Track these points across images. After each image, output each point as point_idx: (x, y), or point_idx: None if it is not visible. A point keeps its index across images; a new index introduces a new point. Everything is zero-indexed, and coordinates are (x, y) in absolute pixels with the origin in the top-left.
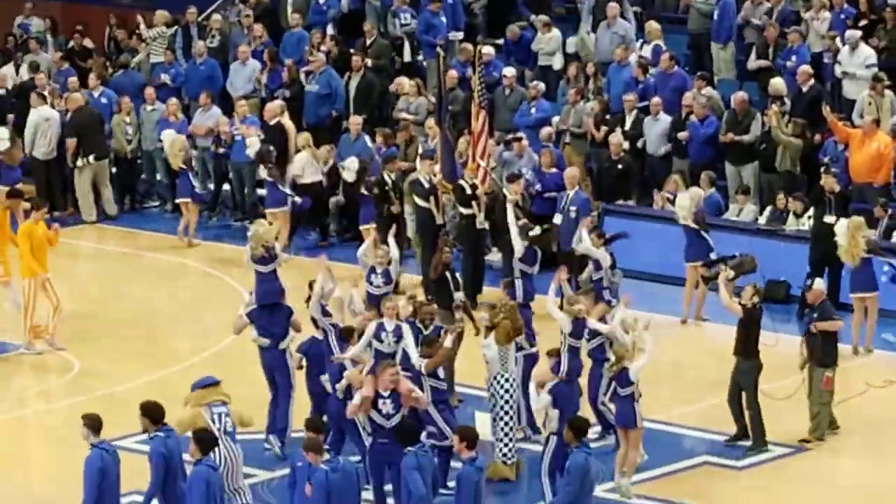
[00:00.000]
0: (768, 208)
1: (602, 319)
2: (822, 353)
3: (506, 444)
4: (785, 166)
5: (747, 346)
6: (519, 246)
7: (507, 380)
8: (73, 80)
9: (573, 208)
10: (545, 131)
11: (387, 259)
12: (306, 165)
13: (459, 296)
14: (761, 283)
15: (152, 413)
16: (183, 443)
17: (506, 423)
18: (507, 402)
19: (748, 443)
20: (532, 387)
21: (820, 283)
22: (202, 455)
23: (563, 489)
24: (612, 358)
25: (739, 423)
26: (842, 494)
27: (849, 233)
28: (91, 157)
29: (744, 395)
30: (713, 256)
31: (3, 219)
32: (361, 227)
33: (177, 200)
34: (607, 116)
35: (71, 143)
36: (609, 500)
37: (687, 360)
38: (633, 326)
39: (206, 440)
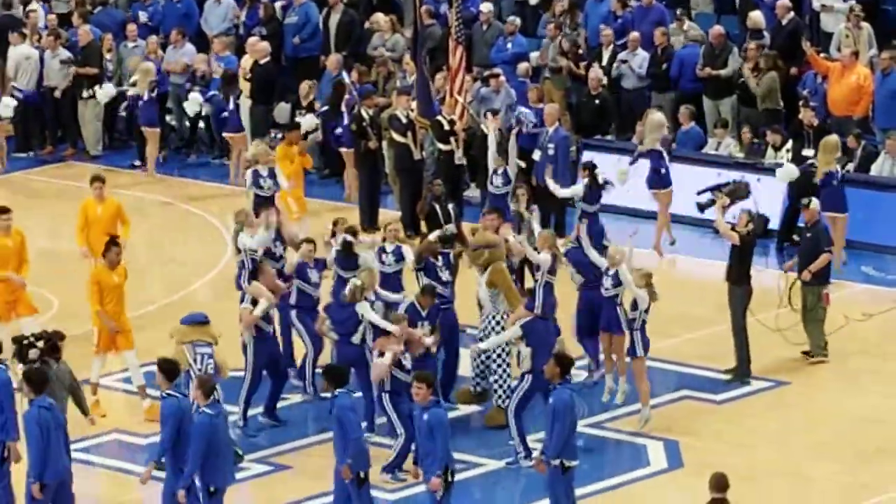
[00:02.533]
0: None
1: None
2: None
3: (501, 388)
4: (765, 104)
5: (740, 273)
6: (544, 256)
7: (498, 322)
8: (77, 17)
9: (551, 145)
10: (522, 67)
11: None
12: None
13: (450, 227)
14: (755, 209)
15: (170, 370)
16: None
17: (499, 366)
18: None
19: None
20: (507, 324)
21: (816, 203)
22: (169, 384)
23: (553, 430)
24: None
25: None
26: (819, 427)
27: (820, 149)
28: (97, 88)
29: (730, 320)
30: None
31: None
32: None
33: (146, 128)
34: (580, 51)
35: (87, 71)
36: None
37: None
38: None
39: (172, 371)
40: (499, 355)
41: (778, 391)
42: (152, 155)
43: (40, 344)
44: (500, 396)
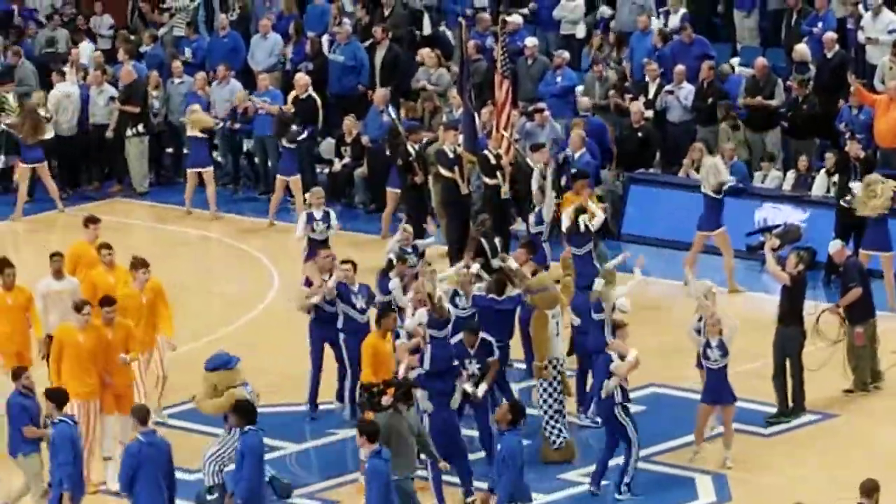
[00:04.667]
0: (791, 174)
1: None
2: (850, 311)
3: (552, 427)
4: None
5: (792, 314)
6: None
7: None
8: (121, 53)
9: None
10: (584, 101)
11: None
12: None
13: (496, 262)
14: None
15: (59, 399)
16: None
17: (545, 401)
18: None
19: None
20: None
21: (837, 243)
22: (246, 423)
23: (504, 478)
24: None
25: (782, 396)
26: (864, 461)
27: (863, 186)
28: (140, 127)
29: (788, 362)
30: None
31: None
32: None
33: (191, 170)
34: (626, 85)
35: (130, 108)
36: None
37: None
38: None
39: (249, 410)
40: (548, 393)
41: (825, 424)
42: (210, 195)
43: (391, 391)
44: (551, 440)
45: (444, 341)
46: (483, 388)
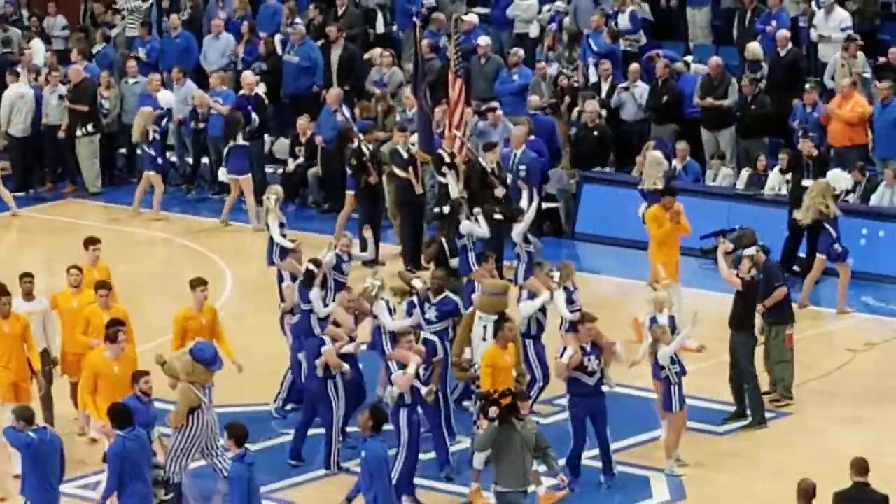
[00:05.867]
0: (745, 172)
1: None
2: (778, 313)
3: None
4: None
5: (743, 320)
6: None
7: None
8: (74, 53)
9: (522, 167)
10: (534, 99)
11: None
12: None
13: (455, 262)
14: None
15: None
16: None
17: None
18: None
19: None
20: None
21: (751, 250)
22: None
23: (368, 485)
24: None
25: (738, 397)
26: (819, 460)
27: (811, 192)
28: (90, 127)
29: (740, 369)
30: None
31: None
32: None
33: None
34: (576, 85)
35: (79, 107)
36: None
37: None
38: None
39: (242, 436)
40: None
41: (781, 422)
42: (158, 196)
43: (504, 401)
44: None
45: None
46: (431, 387)
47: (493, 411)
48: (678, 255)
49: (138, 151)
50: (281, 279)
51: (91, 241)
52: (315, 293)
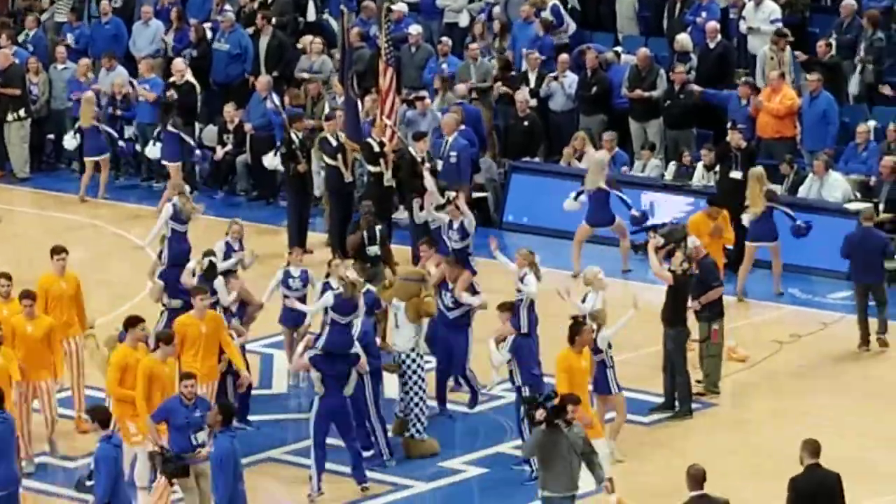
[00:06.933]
0: (672, 164)
1: (470, 289)
2: (709, 309)
3: (418, 418)
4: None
5: (676, 313)
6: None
7: (420, 355)
8: (4, 38)
9: (453, 153)
10: (461, 88)
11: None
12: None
13: (374, 249)
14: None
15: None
16: None
17: (416, 394)
18: (417, 374)
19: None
20: (491, 343)
21: (695, 240)
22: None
23: (218, 481)
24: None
25: (669, 389)
26: (745, 449)
27: (749, 183)
28: (21, 112)
29: (672, 362)
30: (636, 216)
31: None
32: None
33: (89, 158)
34: (512, 73)
35: (9, 92)
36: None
37: None
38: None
39: (229, 413)
40: (417, 385)
41: (707, 413)
42: (104, 181)
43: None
44: (417, 430)
45: (345, 328)
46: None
47: (540, 414)
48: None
49: (68, 137)
50: None
51: (56, 251)
52: (219, 282)
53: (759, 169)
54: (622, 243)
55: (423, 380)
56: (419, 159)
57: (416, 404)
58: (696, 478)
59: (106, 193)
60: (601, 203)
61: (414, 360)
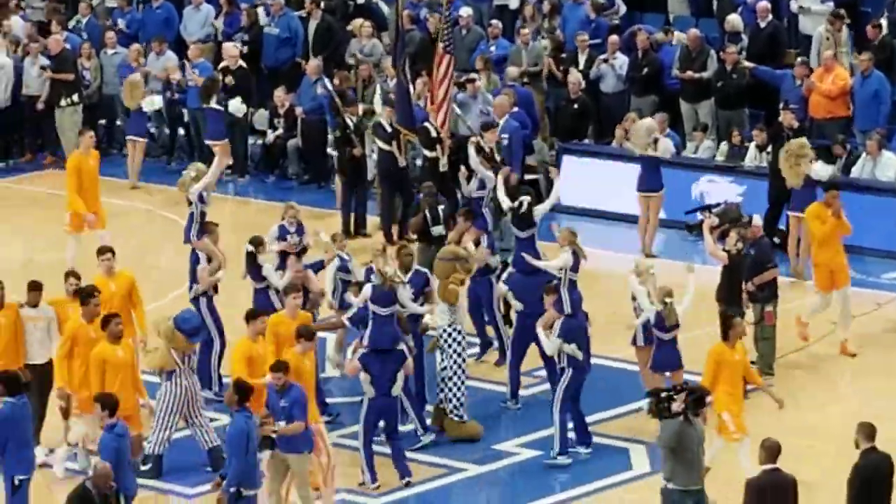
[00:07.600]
0: (724, 144)
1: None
2: (761, 290)
3: (456, 399)
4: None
5: (731, 293)
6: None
7: (458, 332)
8: (55, 24)
9: (505, 136)
10: (512, 70)
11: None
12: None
13: (438, 229)
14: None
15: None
16: None
17: (450, 379)
18: (453, 349)
19: None
20: (539, 331)
21: (758, 219)
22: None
23: (231, 459)
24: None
25: None
26: (800, 430)
27: (785, 155)
28: (75, 97)
29: None
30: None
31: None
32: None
33: (128, 137)
34: (563, 55)
35: (62, 77)
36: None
37: None
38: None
39: (245, 390)
40: (454, 370)
41: (762, 393)
42: (137, 165)
43: (682, 396)
44: (454, 408)
45: (388, 320)
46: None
47: (679, 406)
48: (842, 258)
49: (118, 122)
50: (196, 260)
51: (100, 252)
52: (268, 268)
53: (796, 141)
54: None
55: (460, 356)
56: (487, 149)
57: (452, 380)
58: (772, 450)
59: (138, 179)
60: (652, 169)
61: (450, 335)
